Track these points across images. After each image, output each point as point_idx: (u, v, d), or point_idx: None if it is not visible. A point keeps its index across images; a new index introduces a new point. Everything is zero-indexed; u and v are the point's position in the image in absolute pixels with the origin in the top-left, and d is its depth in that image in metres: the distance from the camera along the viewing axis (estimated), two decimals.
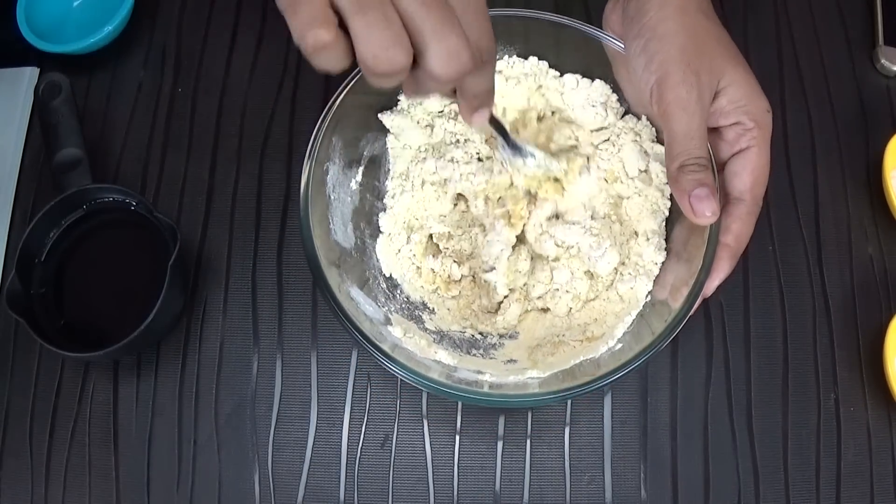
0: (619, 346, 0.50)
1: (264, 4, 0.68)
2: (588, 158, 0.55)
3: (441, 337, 0.54)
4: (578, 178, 0.53)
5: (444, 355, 0.51)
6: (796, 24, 0.67)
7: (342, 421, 0.56)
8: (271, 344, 0.58)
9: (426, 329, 0.54)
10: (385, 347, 0.47)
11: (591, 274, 0.54)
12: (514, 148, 0.51)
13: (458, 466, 0.55)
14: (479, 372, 0.50)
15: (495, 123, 0.49)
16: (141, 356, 0.57)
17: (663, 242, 0.54)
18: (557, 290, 0.54)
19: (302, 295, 0.59)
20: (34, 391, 0.57)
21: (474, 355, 0.53)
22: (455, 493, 0.54)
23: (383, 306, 0.53)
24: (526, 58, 0.57)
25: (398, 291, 0.55)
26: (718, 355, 0.57)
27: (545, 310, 0.55)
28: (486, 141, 0.57)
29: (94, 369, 0.57)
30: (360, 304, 0.50)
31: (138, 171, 0.63)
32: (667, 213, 0.55)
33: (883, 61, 0.65)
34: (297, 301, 0.59)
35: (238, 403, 0.56)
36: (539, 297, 0.54)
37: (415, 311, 0.55)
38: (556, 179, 0.54)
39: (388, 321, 0.52)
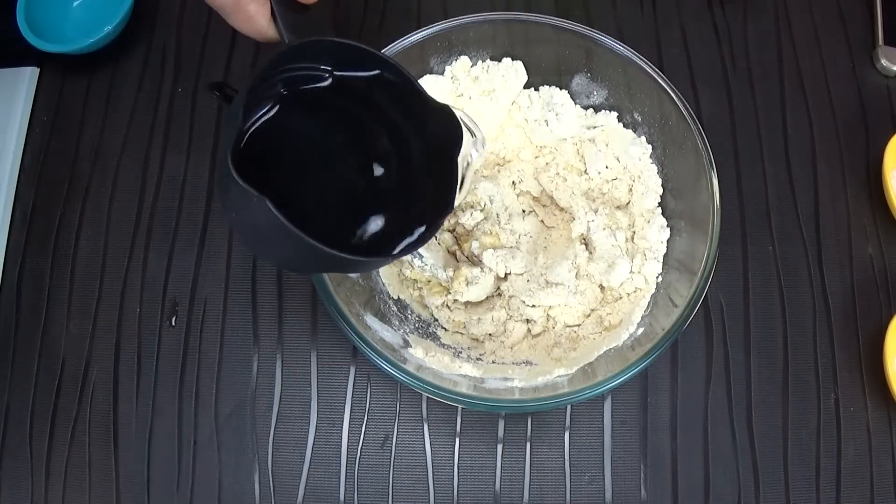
0: (641, 329, 0.50)
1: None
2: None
3: (460, 350, 0.54)
4: (466, 289, 0.54)
5: (469, 368, 0.51)
6: (796, 24, 0.67)
7: (342, 421, 0.56)
8: (271, 344, 0.58)
9: (444, 345, 0.54)
10: (410, 369, 0.47)
11: (603, 287, 0.54)
12: None
13: (458, 467, 0.55)
14: (507, 379, 0.50)
15: None
16: (141, 355, 0.57)
17: (664, 220, 0.55)
18: (564, 305, 0.54)
19: (302, 295, 0.59)
20: (34, 391, 0.57)
21: (496, 363, 0.53)
22: (455, 493, 0.54)
23: (398, 329, 0.53)
24: (499, 60, 0.58)
25: (409, 312, 0.55)
26: (718, 355, 0.57)
27: (553, 324, 0.55)
28: None
29: (94, 369, 0.57)
30: (378, 332, 0.50)
31: (138, 171, 0.63)
32: (660, 191, 0.56)
33: (883, 61, 0.65)
34: (297, 301, 0.59)
35: (238, 403, 0.56)
36: (540, 318, 0.54)
37: (429, 329, 0.55)
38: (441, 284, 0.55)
39: (407, 344, 0.52)
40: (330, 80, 0.44)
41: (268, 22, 0.44)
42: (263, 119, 0.42)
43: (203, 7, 0.68)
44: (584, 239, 0.55)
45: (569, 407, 0.56)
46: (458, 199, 0.45)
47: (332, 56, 0.43)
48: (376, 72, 0.44)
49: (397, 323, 0.53)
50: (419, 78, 0.57)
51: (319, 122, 0.45)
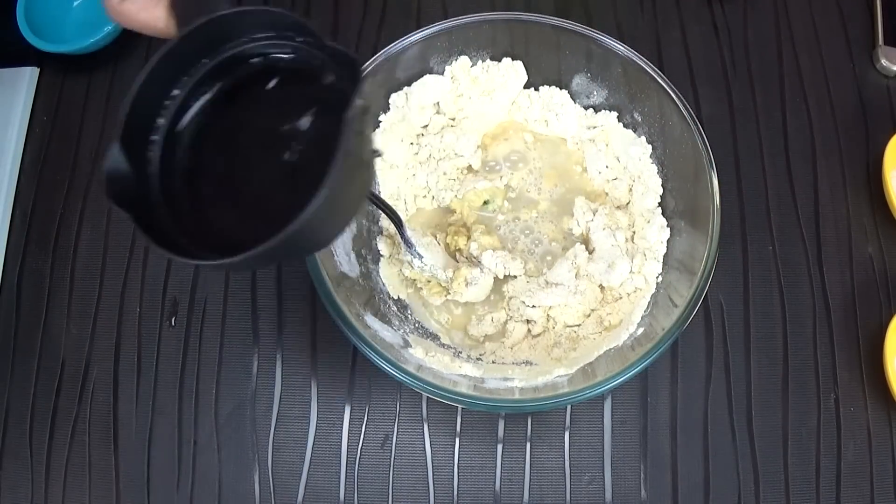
0: (641, 329, 0.50)
1: (262, 4, 0.68)
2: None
3: (460, 350, 0.54)
4: (466, 289, 0.54)
5: (469, 368, 0.51)
6: (796, 24, 0.67)
7: (342, 421, 0.56)
8: (271, 344, 0.58)
9: (444, 345, 0.54)
10: (410, 369, 0.47)
11: (603, 287, 0.54)
12: (407, 243, 0.52)
13: (458, 467, 0.55)
14: (507, 379, 0.50)
15: (392, 213, 0.49)
16: (141, 355, 0.57)
17: (664, 220, 0.55)
18: (564, 305, 0.54)
19: (302, 295, 0.59)
20: (34, 391, 0.57)
21: (496, 363, 0.53)
22: (455, 493, 0.54)
23: (398, 329, 0.53)
24: (499, 60, 0.58)
25: (409, 312, 0.55)
26: (718, 355, 0.57)
27: (553, 324, 0.55)
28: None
29: (94, 369, 0.57)
30: (378, 332, 0.50)
31: None
32: (660, 191, 0.56)
33: (883, 61, 0.65)
34: (297, 301, 0.59)
35: (238, 403, 0.56)
36: (540, 318, 0.54)
37: (429, 329, 0.55)
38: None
39: (407, 344, 0.52)
40: (218, 88, 0.39)
41: (165, 23, 0.40)
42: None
43: None
44: (584, 239, 0.55)
45: (569, 407, 0.56)
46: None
47: (228, 32, 0.38)
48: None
49: (397, 323, 0.53)
50: (419, 78, 0.57)
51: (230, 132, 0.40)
